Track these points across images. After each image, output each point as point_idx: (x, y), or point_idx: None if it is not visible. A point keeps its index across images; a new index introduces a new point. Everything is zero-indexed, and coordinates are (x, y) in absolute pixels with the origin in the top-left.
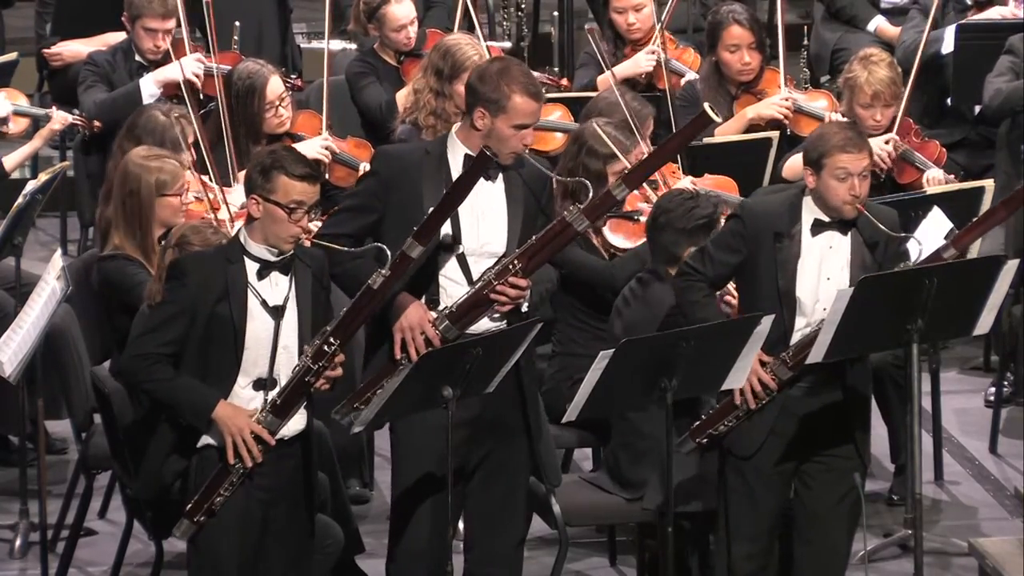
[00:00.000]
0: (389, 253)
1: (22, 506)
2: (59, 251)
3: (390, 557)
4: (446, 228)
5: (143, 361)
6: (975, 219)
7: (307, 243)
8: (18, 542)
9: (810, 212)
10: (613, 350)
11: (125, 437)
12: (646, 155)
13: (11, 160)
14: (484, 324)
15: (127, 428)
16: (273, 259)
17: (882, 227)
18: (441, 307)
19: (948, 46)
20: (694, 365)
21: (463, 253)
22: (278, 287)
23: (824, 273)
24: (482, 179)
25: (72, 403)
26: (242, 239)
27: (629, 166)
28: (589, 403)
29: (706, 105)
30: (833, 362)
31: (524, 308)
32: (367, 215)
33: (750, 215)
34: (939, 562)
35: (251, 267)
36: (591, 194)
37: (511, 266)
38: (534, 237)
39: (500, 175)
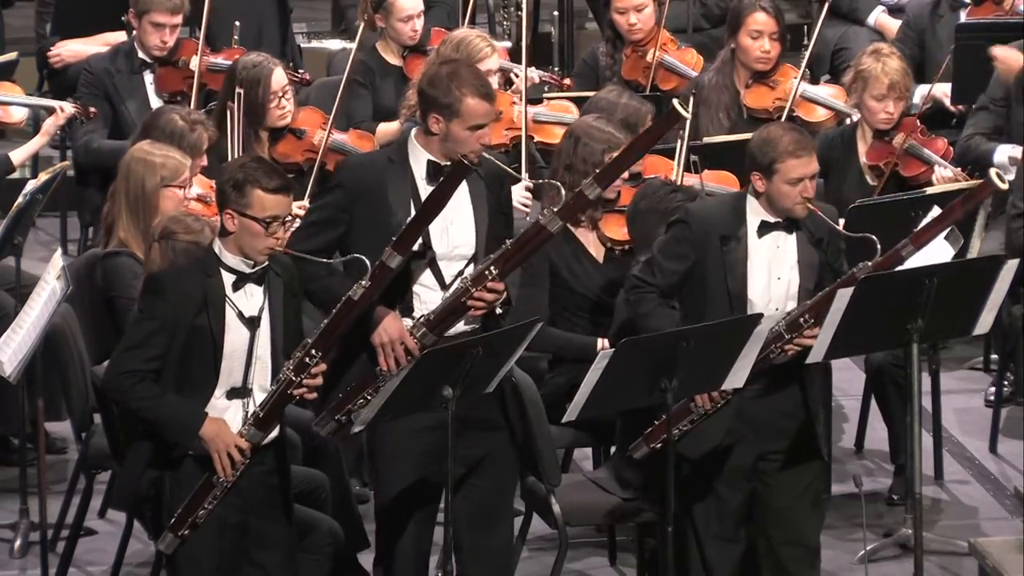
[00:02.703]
0: (369, 264)
1: (22, 506)
2: (59, 251)
3: (376, 559)
4: None
5: (128, 379)
6: (934, 217)
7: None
8: (18, 542)
9: (756, 214)
10: (613, 350)
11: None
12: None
13: (17, 155)
14: (459, 327)
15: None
16: (248, 271)
17: (829, 221)
18: (418, 315)
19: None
20: (694, 365)
21: (434, 258)
22: (253, 298)
23: (774, 273)
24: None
25: (72, 403)
26: (217, 251)
27: None
28: (589, 403)
29: (674, 101)
30: (788, 363)
31: (499, 311)
32: (334, 228)
33: (695, 220)
34: (939, 562)
35: (227, 279)
36: (563, 195)
37: (487, 272)
38: (508, 242)
39: None
